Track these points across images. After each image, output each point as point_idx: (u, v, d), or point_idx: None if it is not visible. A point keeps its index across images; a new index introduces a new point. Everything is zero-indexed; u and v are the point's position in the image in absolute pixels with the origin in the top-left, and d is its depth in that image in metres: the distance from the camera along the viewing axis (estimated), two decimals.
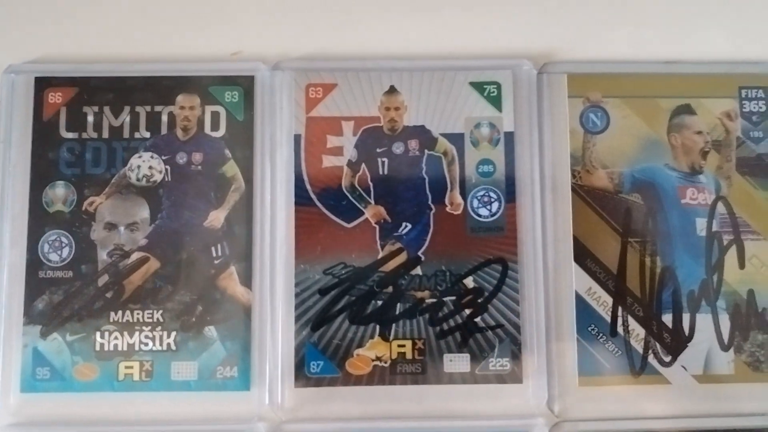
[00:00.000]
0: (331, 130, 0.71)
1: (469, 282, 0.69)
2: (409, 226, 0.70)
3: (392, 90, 0.71)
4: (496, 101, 0.71)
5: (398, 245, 0.70)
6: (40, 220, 0.69)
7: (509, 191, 0.70)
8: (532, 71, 0.72)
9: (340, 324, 0.69)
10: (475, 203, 0.70)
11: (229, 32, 0.73)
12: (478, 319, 0.69)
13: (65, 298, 0.68)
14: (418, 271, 0.69)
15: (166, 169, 0.70)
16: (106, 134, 0.70)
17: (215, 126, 0.71)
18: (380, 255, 0.69)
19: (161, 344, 0.68)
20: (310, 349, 0.68)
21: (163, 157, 0.70)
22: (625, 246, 0.70)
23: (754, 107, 0.72)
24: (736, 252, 0.70)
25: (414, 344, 0.69)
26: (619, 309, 0.69)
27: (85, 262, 0.69)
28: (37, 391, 0.67)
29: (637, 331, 0.69)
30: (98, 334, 0.68)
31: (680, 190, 0.71)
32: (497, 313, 0.69)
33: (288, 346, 0.68)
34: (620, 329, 0.69)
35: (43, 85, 0.71)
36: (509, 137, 0.71)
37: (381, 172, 0.70)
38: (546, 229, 0.70)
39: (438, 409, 0.68)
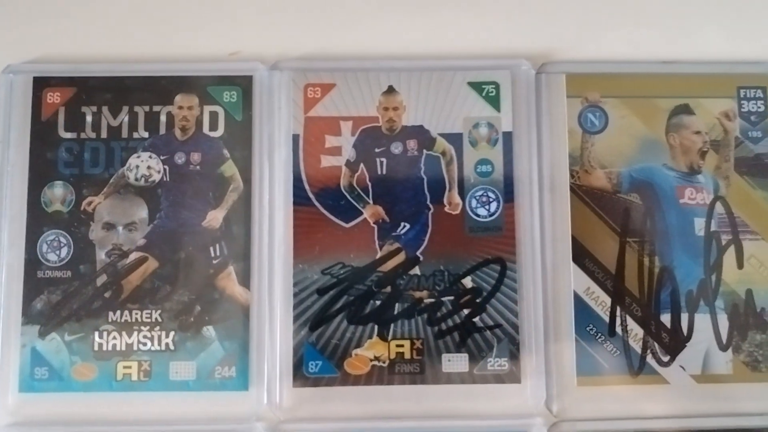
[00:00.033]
0: (330, 130, 0.71)
1: (468, 282, 0.69)
2: (408, 226, 0.70)
3: (391, 90, 0.71)
4: (494, 101, 0.71)
5: (396, 245, 0.70)
6: (38, 220, 0.69)
7: (508, 191, 0.70)
8: (531, 71, 0.72)
9: (338, 324, 0.69)
10: (474, 203, 0.70)
11: (227, 32, 0.73)
12: (476, 319, 0.69)
13: (64, 298, 0.68)
14: (416, 271, 0.69)
15: (165, 169, 0.70)
16: (104, 134, 0.70)
17: (214, 126, 0.71)
18: (379, 255, 0.69)
19: (160, 344, 0.68)
20: (309, 349, 0.68)
21: (162, 157, 0.70)
22: (623, 246, 0.70)
23: (753, 107, 0.72)
24: (734, 252, 0.70)
25: (412, 344, 0.69)
26: (618, 309, 0.69)
27: (84, 262, 0.69)
28: (36, 391, 0.68)
29: (636, 331, 0.69)
30: (97, 334, 0.68)
31: (678, 189, 0.71)
32: (496, 313, 0.69)
33: (286, 345, 0.68)
34: (619, 329, 0.69)
35: (41, 85, 0.71)
36: (508, 137, 0.71)
37: (379, 172, 0.70)
38: (544, 229, 0.70)
39: (436, 409, 0.68)
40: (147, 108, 0.71)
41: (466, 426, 0.68)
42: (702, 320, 0.70)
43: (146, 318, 0.68)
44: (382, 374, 0.68)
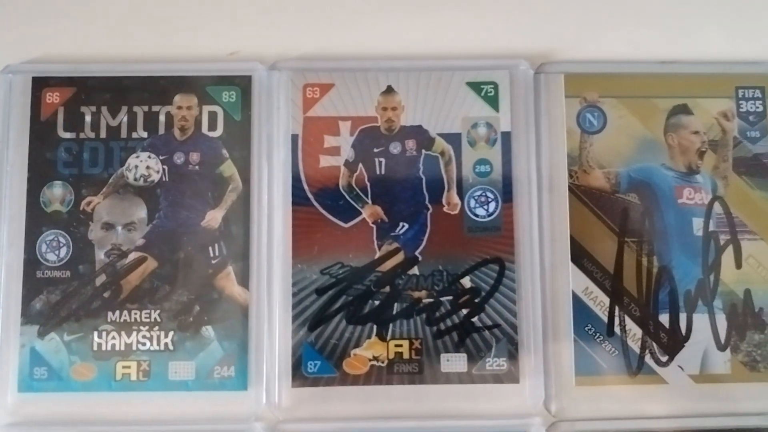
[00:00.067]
0: (329, 130, 0.71)
1: (466, 282, 0.69)
2: (406, 226, 0.70)
3: (389, 90, 0.71)
4: (493, 101, 0.71)
5: (395, 245, 0.70)
6: (37, 220, 0.69)
7: (506, 191, 0.70)
8: (529, 71, 0.72)
9: (337, 324, 0.69)
10: (472, 203, 0.70)
11: (226, 32, 0.73)
12: (475, 319, 0.69)
13: (63, 298, 0.68)
14: (415, 270, 0.69)
15: (164, 169, 0.70)
16: (103, 134, 0.70)
17: (212, 126, 0.71)
18: (377, 255, 0.69)
19: (159, 344, 0.68)
20: (308, 349, 0.68)
21: (161, 157, 0.70)
22: (621, 246, 0.70)
23: (751, 107, 0.72)
24: (732, 252, 0.70)
25: (411, 344, 0.69)
26: (616, 309, 0.69)
27: (83, 262, 0.69)
28: (35, 391, 0.68)
29: (634, 331, 0.69)
30: (96, 333, 0.68)
31: (677, 189, 0.71)
32: (494, 313, 0.69)
33: (285, 345, 0.68)
34: (617, 329, 0.69)
35: (40, 85, 0.71)
36: (506, 137, 0.71)
37: (378, 172, 0.70)
38: (543, 229, 0.70)
39: (435, 409, 0.68)
40: (146, 108, 0.71)
41: (464, 426, 0.68)
42: (700, 320, 0.70)
43: (145, 318, 0.68)
44: (381, 374, 0.68)
